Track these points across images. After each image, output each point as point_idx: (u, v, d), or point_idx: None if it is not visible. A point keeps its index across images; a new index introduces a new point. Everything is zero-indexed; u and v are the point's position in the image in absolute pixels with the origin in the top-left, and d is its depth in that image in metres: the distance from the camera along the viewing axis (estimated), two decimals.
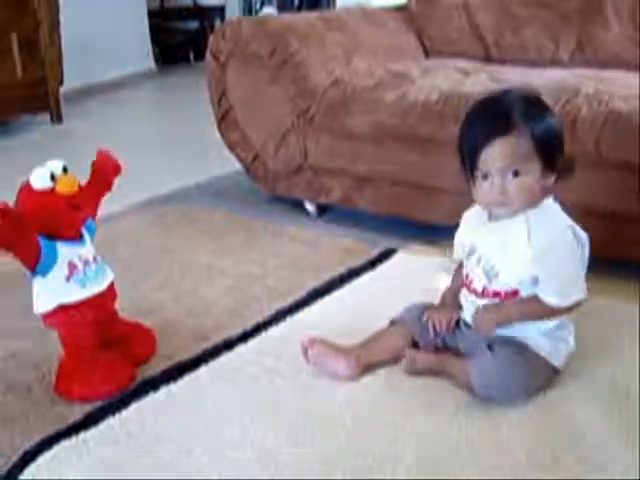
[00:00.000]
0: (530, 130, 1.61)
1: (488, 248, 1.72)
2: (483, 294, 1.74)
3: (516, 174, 1.62)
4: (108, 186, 1.92)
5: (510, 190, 1.63)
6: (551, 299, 1.65)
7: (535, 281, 1.66)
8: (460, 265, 1.87)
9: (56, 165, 1.75)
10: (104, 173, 1.89)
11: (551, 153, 1.64)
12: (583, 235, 1.67)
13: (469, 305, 1.78)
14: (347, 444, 1.57)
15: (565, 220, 1.68)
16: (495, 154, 1.62)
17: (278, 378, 1.82)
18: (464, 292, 1.80)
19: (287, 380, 1.81)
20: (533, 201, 1.66)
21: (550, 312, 1.68)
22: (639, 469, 1.45)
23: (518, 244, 1.65)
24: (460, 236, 1.85)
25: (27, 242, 1.70)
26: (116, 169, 1.91)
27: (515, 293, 1.70)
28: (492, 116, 1.66)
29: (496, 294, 1.72)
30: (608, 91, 2.27)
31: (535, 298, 1.67)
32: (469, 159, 1.66)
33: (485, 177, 1.65)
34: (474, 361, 1.69)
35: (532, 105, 1.67)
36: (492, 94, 1.75)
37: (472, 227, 1.80)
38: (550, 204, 1.70)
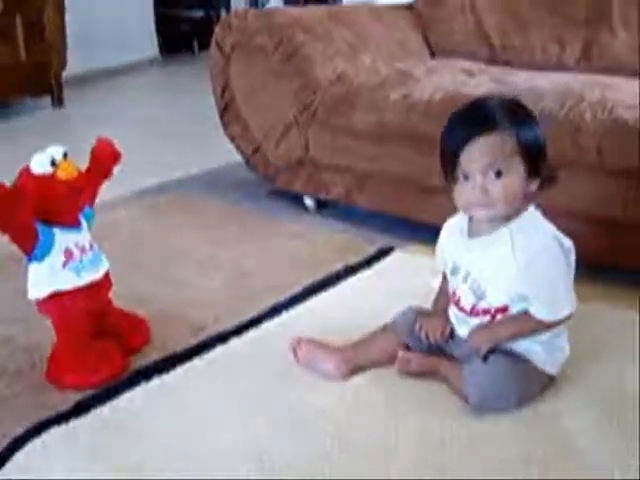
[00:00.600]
0: (515, 130, 1.58)
1: (473, 266, 1.69)
2: (472, 312, 1.71)
3: (499, 175, 1.57)
4: (107, 174, 1.91)
5: (492, 191, 1.58)
6: (542, 315, 1.63)
7: (524, 297, 1.64)
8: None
9: (57, 150, 1.75)
10: (103, 161, 1.89)
11: (535, 157, 1.60)
12: (568, 243, 1.63)
13: (459, 322, 1.76)
14: (339, 442, 1.56)
15: (549, 230, 1.64)
16: (478, 152, 1.58)
17: (271, 373, 1.81)
18: (453, 308, 1.78)
19: (280, 375, 1.80)
20: (515, 205, 1.62)
21: (542, 327, 1.65)
22: (639, 473, 1.44)
23: (503, 260, 1.62)
24: (441, 248, 1.82)
25: (23, 223, 1.69)
26: (116, 157, 1.90)
27: (505, 309, 1.67)
28: (476, 116, 1.63)
29: (486, 311, 1.69)
30: (613, 98, 2.26)
31: (526, 315, 1.65)
32: (451, 158, 1.62)
33: (466, 178, 1.60)
34: (468, 371, 1.66)
35: (516, 108, 1.65)
36: (475, 99, 1.73)
37: (452, 243, 1.76)
38: (532, 213, 1.66)
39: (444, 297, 1.84)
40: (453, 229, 1.77)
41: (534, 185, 1.63)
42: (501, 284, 1.65)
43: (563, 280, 1.63)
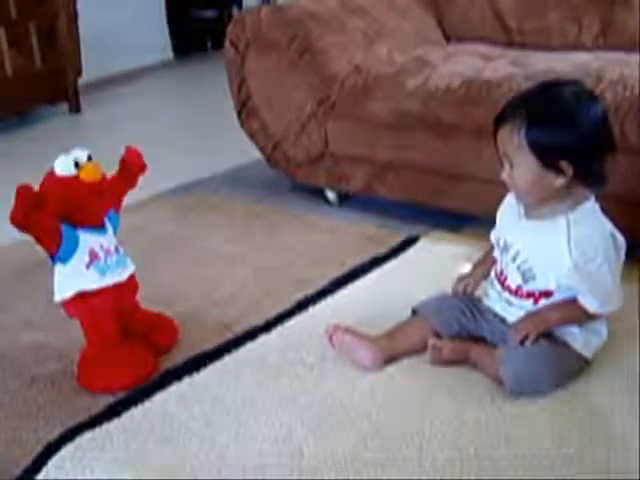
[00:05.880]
0: (524, 127, 1.57)
1: (526, 248, 1.68)
2: (516, 293, 1.71)
3: (512, 166, 1.62)
4: (133, 183, 1.94)
5: (509, 181, 1.64)
6: (594, 308, 1.63)
7: (572, 287, 1.64)
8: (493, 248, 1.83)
9: (81, 154, 1.78)
10: (132, 170, 1.91)
11: (550, 154, 1.57)
12: (621, 239, 1.64)
13: (501, 302, 1.76)
14: (372, 433, 1.56)
15: (606, 227, 1.64)
16: (498, 141, 1.64)
17: (301, 368, 1.81)
18: (495, 284, 1.78)
19: (310, 370, 1.80)
20: (542, 197, 1.63)
21: (589, 316, 1.66)
22: None
23: (557, 250, 1.62)
24: (498, 222, 1.82)
25: (47, 225, 1.71)
26: (142, 168, 1.93)
27: (549, 294, 1.67)
28: (510, 101, 1.66)
29: (530, 294, 1.69)
30: (633, 76, 2.23)
31: (575, 303, 1.65)
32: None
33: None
34: (505, 354, 1.66)
35: (541, 103, 1.62)
36: (551, 81, 1.71)
37: (507, 220, 1.76)
38: (590, 207, 1.65)
39: (485, 264, 1.87)
40: (510, 205, 1.76)
41: (559, 181, 1.59)
42: (551, 272, 1.65)
43: (615, 278, 1.63)
